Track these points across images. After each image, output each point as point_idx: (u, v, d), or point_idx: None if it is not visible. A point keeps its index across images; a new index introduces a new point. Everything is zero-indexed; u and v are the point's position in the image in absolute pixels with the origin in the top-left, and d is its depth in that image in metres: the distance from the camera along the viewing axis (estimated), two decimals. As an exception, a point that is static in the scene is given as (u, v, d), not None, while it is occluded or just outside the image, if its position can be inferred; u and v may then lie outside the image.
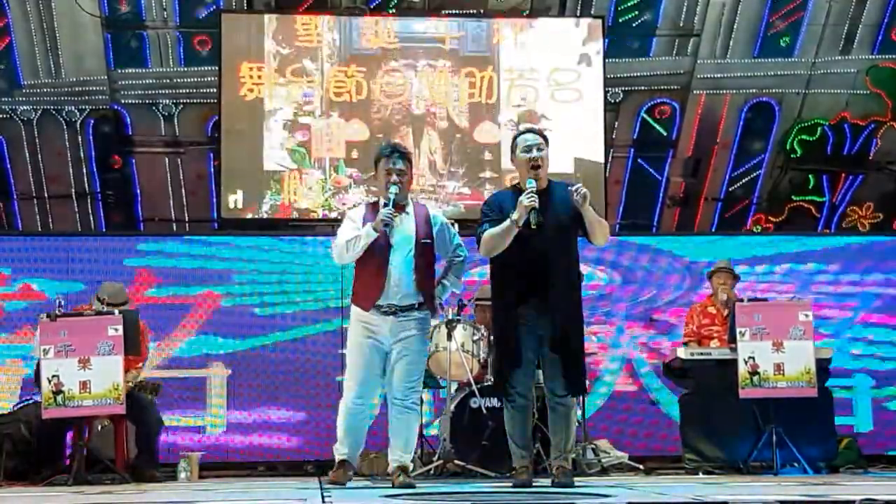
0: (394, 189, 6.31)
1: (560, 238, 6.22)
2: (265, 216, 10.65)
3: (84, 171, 11.63)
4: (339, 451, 6.47)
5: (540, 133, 6.44)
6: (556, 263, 6.20)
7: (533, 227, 6.07)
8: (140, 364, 8.15)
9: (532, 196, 6.08)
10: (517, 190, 6.32)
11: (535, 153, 6.26)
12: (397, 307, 6.30)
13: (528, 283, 6.21)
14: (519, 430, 6.34)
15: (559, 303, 6.20)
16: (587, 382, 6.68)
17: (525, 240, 6.15)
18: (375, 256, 6.31)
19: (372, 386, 6.41)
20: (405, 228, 6.41)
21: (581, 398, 7.77)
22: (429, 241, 6.43)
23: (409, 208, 6.50)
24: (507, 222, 6.14)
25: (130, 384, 7.72)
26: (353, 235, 6.30)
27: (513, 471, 6.42)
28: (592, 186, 7.48)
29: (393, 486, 6.19)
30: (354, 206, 8.62)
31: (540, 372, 6.45)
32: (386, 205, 6.30)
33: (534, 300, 6.20)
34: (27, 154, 11.57)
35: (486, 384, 8.04)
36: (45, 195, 11.60)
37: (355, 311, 6.43)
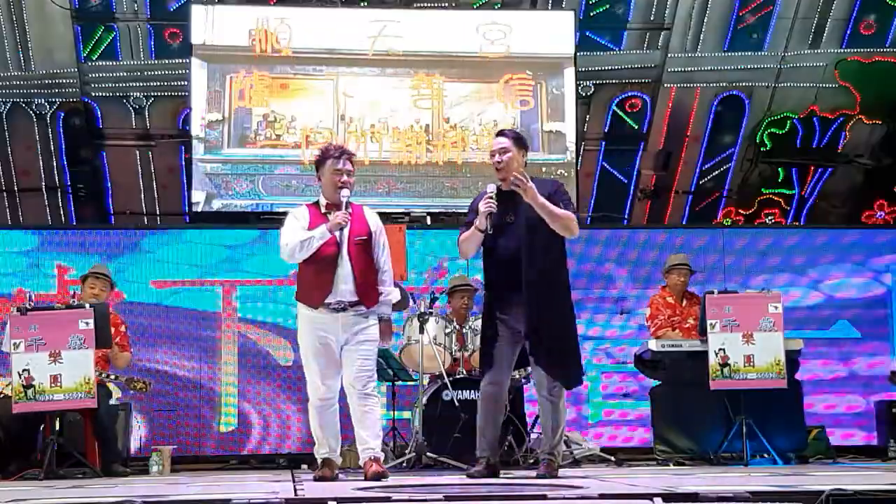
0: (346, 192, 6.33)
1: (533, 235, 6.20)
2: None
3: (54, 164, 11.56)
4: (320, 452, 6.42)
5: (509, 135, 6.42)
6: (530, 261, 6.21)
7: (489, 232, 6.12)
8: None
9: (489, 202, 6.12)
10: (497, 190, 6.33)
11: (497, 158, 6.29)
12: (346, 303, 6.32)
13: (505, 281, 6.25)
14: (484, 420, 6.36)
15: (536, 299, 6.20)
16: (582, 376, 6.72)
17: (501, 238, 6.20)
18: (324, 255, 6.32)
19: (336, 379, 6.41)
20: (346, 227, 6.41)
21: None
22: (365, 237, 6.43)
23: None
24: (472, 228, 6.22)
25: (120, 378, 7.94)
26: (307, 236, 6.30)
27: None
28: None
29: (366, 478, 6.19)
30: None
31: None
32: (339, 206, 6.31)
33: (512, 298, 6.24)
34: (-3, 147, 11.50)
35: (458, 377, 8.08)
36: (15, 188, 11.53)
37: (303, 310, 6.42)
